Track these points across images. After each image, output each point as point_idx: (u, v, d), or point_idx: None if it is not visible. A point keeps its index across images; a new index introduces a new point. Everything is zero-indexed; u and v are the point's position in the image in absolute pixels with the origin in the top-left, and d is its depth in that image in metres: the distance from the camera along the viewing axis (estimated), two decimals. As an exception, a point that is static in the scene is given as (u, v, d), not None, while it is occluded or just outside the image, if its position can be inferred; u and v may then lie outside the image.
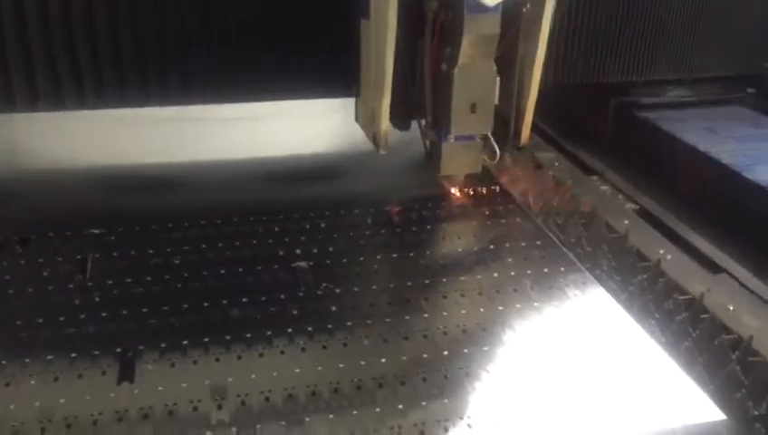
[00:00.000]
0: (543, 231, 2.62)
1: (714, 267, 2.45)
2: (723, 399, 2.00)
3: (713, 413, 1.83)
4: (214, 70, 2.70)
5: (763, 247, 2.49)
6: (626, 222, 2.71)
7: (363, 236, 2.55)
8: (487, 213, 2.74)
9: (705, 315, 2.22)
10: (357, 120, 2.88)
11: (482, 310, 2.16)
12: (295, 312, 2.12)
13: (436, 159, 2.74)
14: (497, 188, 2.90)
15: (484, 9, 2.41)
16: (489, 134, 2.69)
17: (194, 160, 2.94)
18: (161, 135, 2.89)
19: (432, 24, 2.54)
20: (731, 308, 2.21)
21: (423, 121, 2.78)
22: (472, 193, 2.86)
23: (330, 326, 2.07)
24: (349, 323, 2.09)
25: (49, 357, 1.93)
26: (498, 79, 2.59)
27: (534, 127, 2.76)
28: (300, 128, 3.02)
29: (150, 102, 2.70)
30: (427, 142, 2.82)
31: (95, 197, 2.75)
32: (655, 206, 2.85)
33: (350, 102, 2.86)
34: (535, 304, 2.20)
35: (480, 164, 2.76)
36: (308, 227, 2.58)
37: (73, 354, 1.94)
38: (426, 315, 2.13)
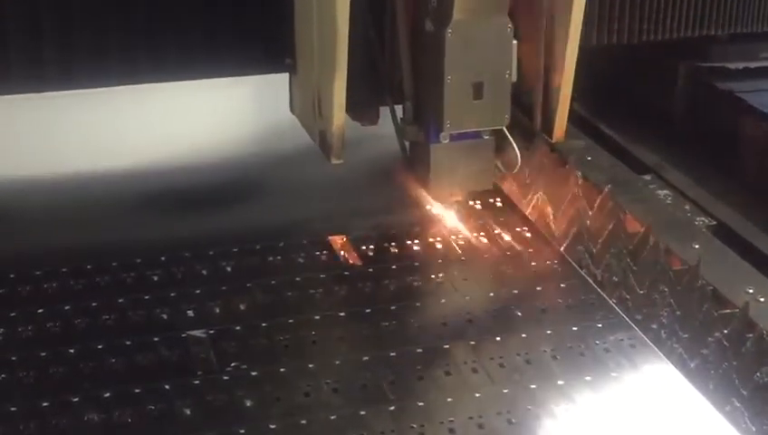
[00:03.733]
0: (570, 265, 2.66)
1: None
2: None
3: None
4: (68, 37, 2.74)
5: None
6: (696, 247, 2.75)
7: (293, 284, 2.56)
8: (482, 238, 2.77)
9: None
10: (292, 109, 2.89)
11: (477, 395, 2.18)
12: (188, 411, 2.12)
13: (420, 169, 2.76)
14: (497, 199, 2.94)
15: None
16: (505, 129, 2.73)
17: (25, 175, 2.94)
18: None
19: None
20: None
21: (399, 112, 2.79)
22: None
23: (242, 432, 2.06)
24: (273, 426, 2.08)
25: None
26: (515, 43, 2.63)
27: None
28: (193, 118, 3.05)
29: None
30: (407, 144, 2.83)
31: None
32: (740, 220, 2.91)
33: (279, 81, 2.87)
34: (559, 382, 2.22)
35: (491, 176, 2.81)
36: (206, 272, 2.59)
37: None
38: (392, 408, 2.13)
